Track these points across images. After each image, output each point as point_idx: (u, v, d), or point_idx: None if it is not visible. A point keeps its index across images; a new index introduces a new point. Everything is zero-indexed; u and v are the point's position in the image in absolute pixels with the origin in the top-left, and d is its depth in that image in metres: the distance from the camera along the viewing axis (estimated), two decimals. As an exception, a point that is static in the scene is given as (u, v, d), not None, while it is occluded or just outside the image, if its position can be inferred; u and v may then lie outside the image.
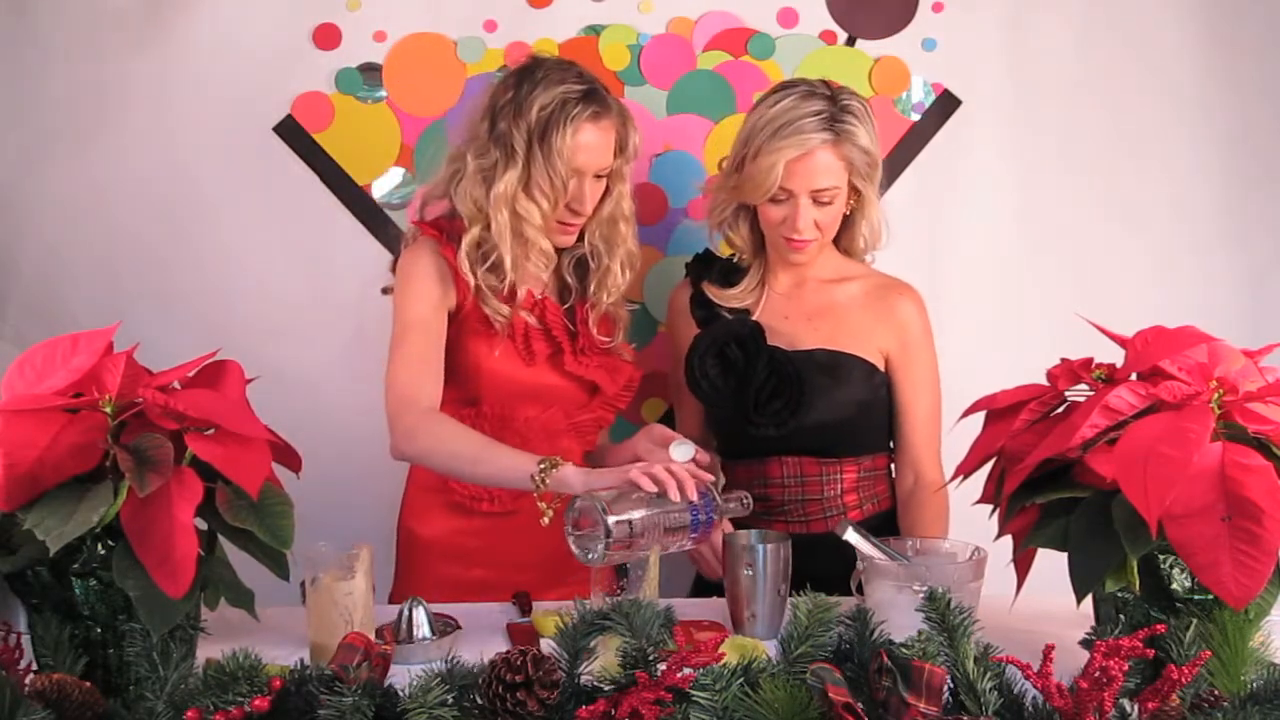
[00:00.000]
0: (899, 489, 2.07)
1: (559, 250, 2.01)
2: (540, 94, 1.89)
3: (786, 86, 1.99)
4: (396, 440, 1.85)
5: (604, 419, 2.08)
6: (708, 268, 2.11)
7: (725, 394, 1.99)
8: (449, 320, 1.94)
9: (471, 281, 1.91)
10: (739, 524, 1.89)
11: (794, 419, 1.95)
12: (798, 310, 2.05)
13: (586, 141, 1.90)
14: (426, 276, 1.93)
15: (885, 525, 2.01)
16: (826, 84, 1.98)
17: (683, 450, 1.73)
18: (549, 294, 2.03)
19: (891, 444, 2.09)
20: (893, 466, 2.10)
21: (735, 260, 2.10)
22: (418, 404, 1.85)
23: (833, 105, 1.94)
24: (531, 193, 1.90)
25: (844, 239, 2.07)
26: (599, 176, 1.95)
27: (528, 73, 1.93)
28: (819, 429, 1.97)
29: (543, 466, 1.69)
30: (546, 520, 1.74)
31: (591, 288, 2.02)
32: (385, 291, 2.03)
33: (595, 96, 1.91)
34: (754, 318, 2.04)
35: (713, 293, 2.06)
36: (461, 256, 1.92)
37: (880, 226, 2.05)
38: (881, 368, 2.03)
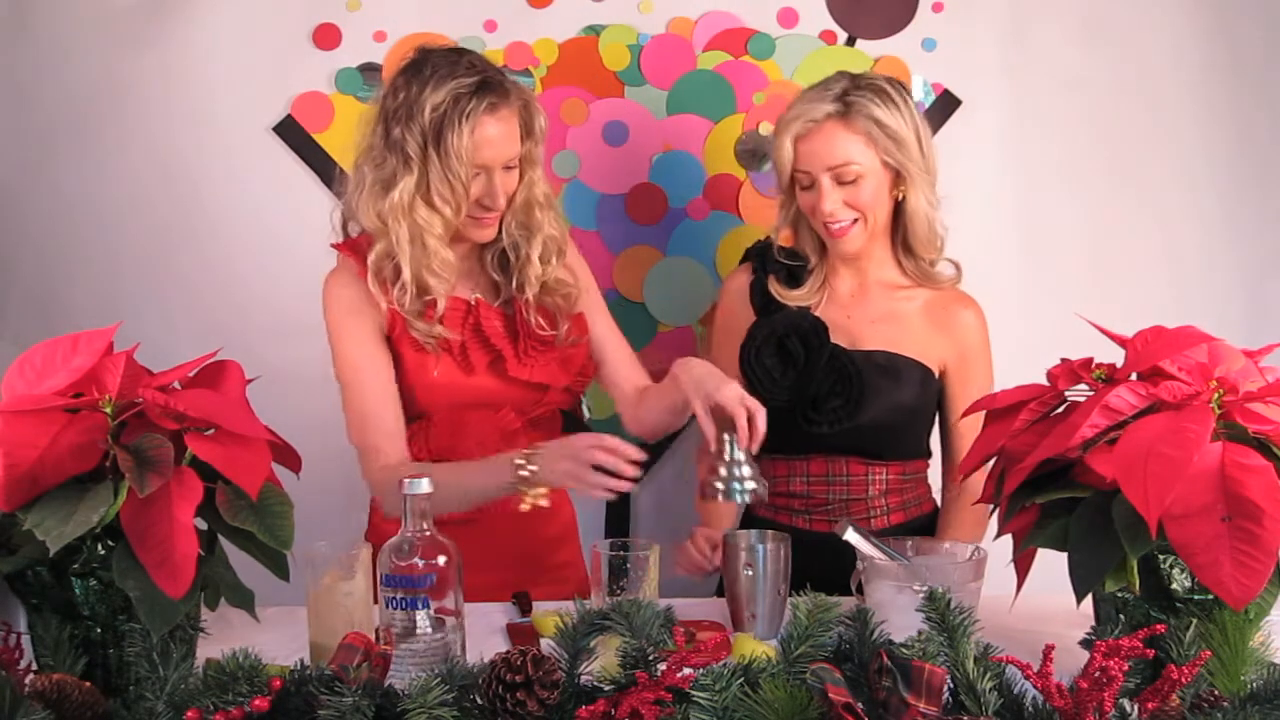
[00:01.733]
0: (944, 496, 2.07)
1: (482, 246, 1.93)
2: (430, 93, 1.77)
3: (825, 78, 1.98)
4: (377, 500, 1.92)
5: (564, 403, 2.01)
6: (770, 260, 2.07)
7: (782, 386, 1.96)
8: (390, 333, 1.87)
9: (383, 305, 1.83)
10: (740, 523, 1.89)
11: (851, 419, 1.94)
12: (861, 312, 2.03)
13: (486, 136, 1.78)
14: (351, 312, 1.86)
15: (925, 529, 2.01)
16: (863, 74, 1.96)
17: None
18: (481, 295, 1.94)
19: (934, 449, 2.09)
20: (929, 472, 2.09)
21: (795, 253, 2.06)
22: (377, 459, 1.86)
23: (851, 84, 1.92)
24: (432, 200, 1.80)
25: (905, 237, 2.01)
26: (508, 168, 1.84)
27: (415, 70, 1.81)
28: (871, 430, 1.96)
29: (521, 469, 1.72)
30: (527, 507, 1.75)
31: (515, 280, 1.92)
32: None
33: (489, 87, 1.79)
34: (815, 314, 2.01)
35: (777, 292, 2.03)
36: (371, 277, 1.83)
37: (930, 224, 1.98)
38: (937, 375, 2.02)
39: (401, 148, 1.79)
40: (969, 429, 1.97)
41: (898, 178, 1.95)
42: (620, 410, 2.03)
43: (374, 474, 1.87)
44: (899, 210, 1.99)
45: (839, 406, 1.94)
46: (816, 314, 2.01)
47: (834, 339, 1.98)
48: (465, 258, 1.93)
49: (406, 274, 1.82)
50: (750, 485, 1.68)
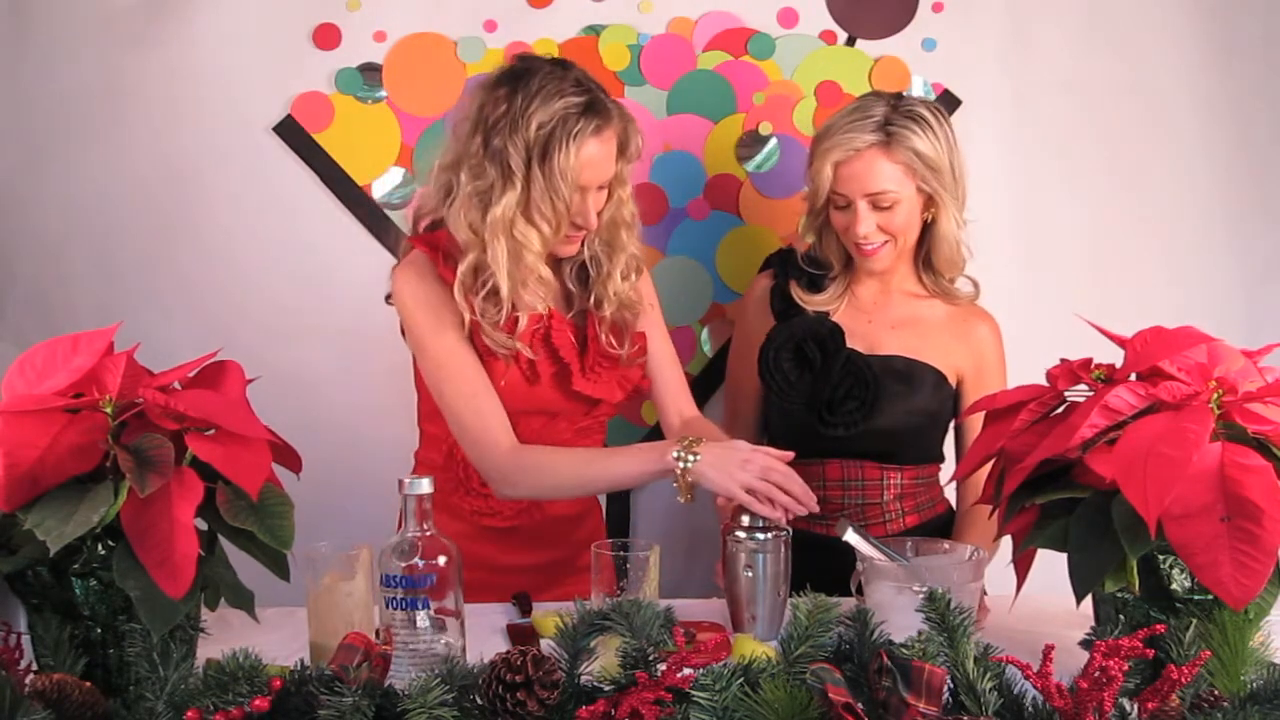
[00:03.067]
0: (960, 505, 2.08)
1: (560, 260, 1.93)
2: (538, 109, 1.75)
3: (862, 97, 2.00)
4: (498, 487, 1.86)
5: (611, 415, 2.04)
6: (792, 266, 2.09)
7: (799, 390, 1.99)
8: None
9: (467, 316, 1.81)
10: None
11: (866, 422, 1.96)
12: (881, 318, 2.06)
13: (590, 157, 1.77)
14: (438, 304, 1.83)
15: (941, 531, 2.02)
16: (900, 95, 1.98)
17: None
18: (555, 305, 1.92)
19: (946, 455, 2.09)
20: (943, 477, 2.10)
21: (819, 261, 2.07)
22: (498, 446, 1.83)
23: (892, 110, 1.93)
24: (531, 216, 1.78)
25: (929, 254, 2.04)
26: (602, 187, 1.85)
27: (521, 82, 1.78)
28: (887, 434, 1.98)
29: (680, 460, 1.73)
30: (685, 499, 1.75)
31: (593, 296, 1.93)
32: (387, 300, 1.93)
33: (597, 107, 1.78)
34: (835, 319, 2.04)
35: (799, 297, 2.05)
36: (457, 285, 1.80)
37: (956, 245, 2.01)
38: (953, 383, 2.04)
39: (504, 160, 1.76)
40: None
41: (929, 201, 1.97)
42: (664, 433, 2.05)
43: (497, 460, 1.83)
44: (926, 230, 2.02)
45: (854, 410, 1.96)
46: (836, 319, 2.04)
47: (852, 344, 2.00)
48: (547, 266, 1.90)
49: (504, 290, 1.79)
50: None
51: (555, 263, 1.92)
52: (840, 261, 2.07)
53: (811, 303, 2.05)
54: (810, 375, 1.99)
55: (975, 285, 2.09)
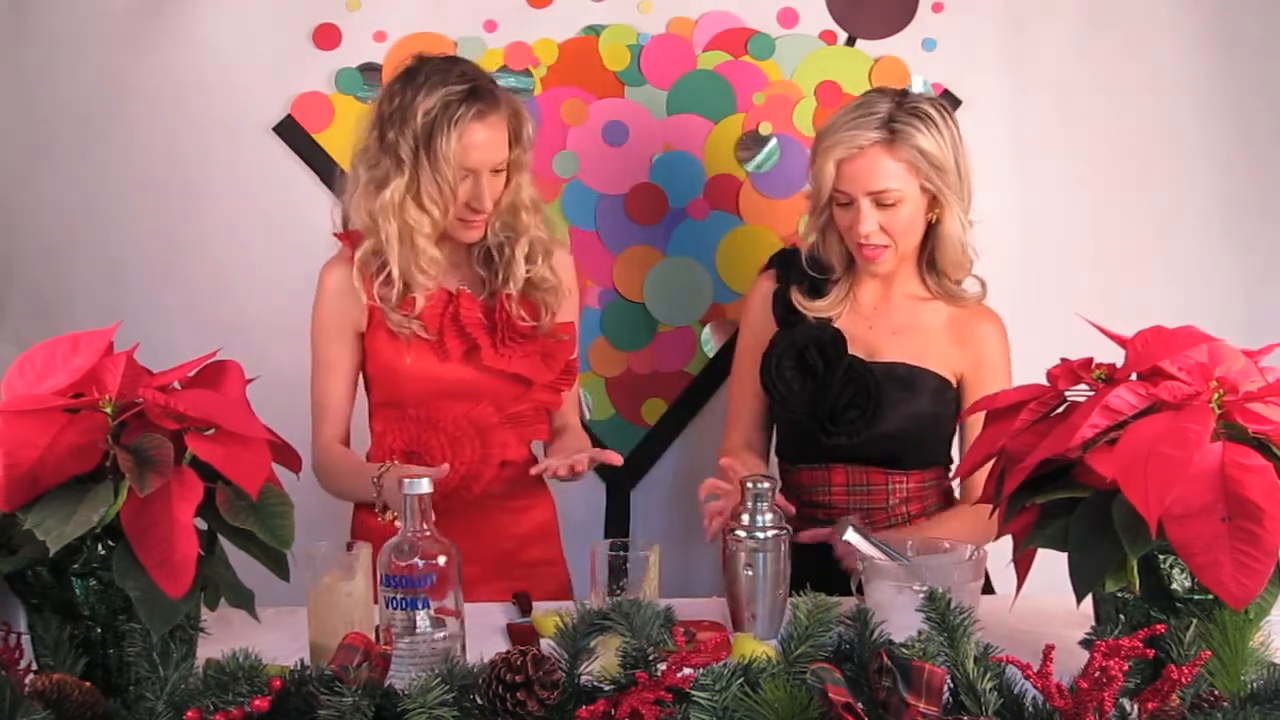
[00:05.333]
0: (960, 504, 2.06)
1: (470, 245, 1.99)
2: (424, 99, 1.86)
3: (866, 93, 1.99)
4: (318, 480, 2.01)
5: (549, 403, 2.04)
6: (795, 269, 2.07)
7: (801, 398, 1.98)
8: (368, 322, 1.96)
9: (364, 300, 1.93)
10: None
11: (867, 430, 1.94)
12: (882, 323, 2.03)
13: (474, 141, 1.87)
14: (329, 302, 1.97)
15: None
16: (904, 91, 1.97)
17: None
18: (465, 287, 1.99)
19: (955, 458, 2.08)
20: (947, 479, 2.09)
21: (821, 263, 2.05)
22: (318, 441, 1.99)
23: (896, 108, 1.91)
24: (421, 200, 1.88)
25: (931, 254, 2.02)
26: (495, 172, 1.92)
27: (410, 77, 1.90)
28: (890, 440, 1.97)
29: (375, 484, 1.85)
30: (385, 518, 1.87)
31: (499, 279, 1.98)
32: None
33: (479, 94, 1.88)
34: (836, 324, 2.02)
35: (800, 303, 2.03)
36: (356, 271, 1.93)
37: (961, 246, 1.98)
38: (954, 385, 2.02)
39: (395, 150, 1.88)
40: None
41: (933, 201, 1.95)
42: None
43: (312, 452, 1.96)
44: (931, 231, 1.99)
45: (856, 418, 1.95)
46: (837, 325, 2.02)
47: (854, 350, 1.98)
48: (453, 253, 2.00)
49: (394, 270, 1.91)
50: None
51: (466, 248, 2.00)
52: (842, 264, 2.04)
53: (812, 309, 2.03)
54: (813, 383, 1.97)
55: (983, 285, 2.06)
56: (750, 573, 1.66)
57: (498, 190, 1.93)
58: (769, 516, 1.68)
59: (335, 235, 2.01)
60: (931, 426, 2.01)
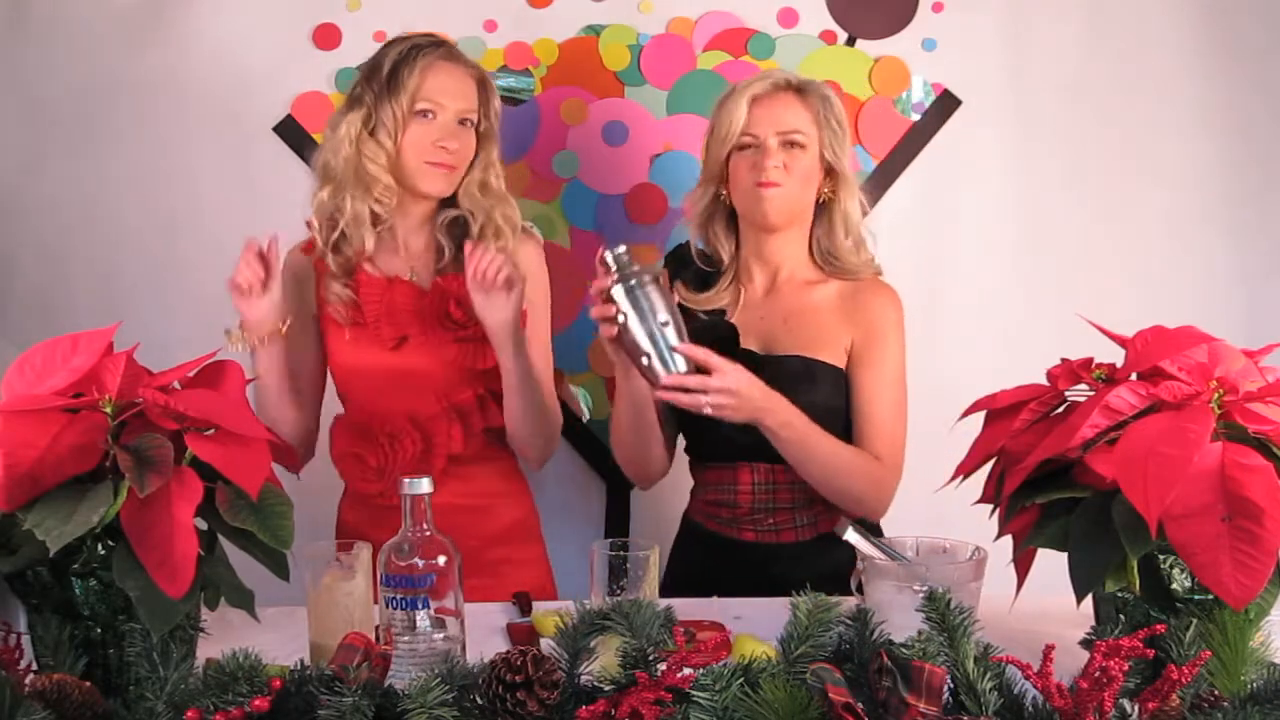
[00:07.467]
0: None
1: (435, 218, 1.98)
2: (393, 52, 1.92)
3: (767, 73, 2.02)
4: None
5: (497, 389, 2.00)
6: (685, 266, 2.07)
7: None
8: (320, 313, 1.99)
9: (319, 245, 1.94)
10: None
11: None
12: (774, 311, 2.00)
13: (438, 78, 1.90)
14: (294, 280, 1.99)
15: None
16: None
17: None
18: (415, 275, 1.98)
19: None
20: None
21: (711, 257, 2.05)
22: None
23: (799, 78, 1.97)
24: (376, 133, 1.90)
25: (825, 236, 2.01)
26: (463, 122, 1.93)
27: (389, 44, 1.96)
28: None
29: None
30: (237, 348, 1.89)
31: (455, 259, 1.95)
32: None
33: (450, 48, 1.95)
34: (730, 319, 2.00)
35: (686, 298, 2.01)
36: (311, 217, 1.95)
37: (859, 228, 1.99)
38: (845, 366, 1.98)
39: (360, 97, 1.92)
40: (875, 409, 1.95)
41: (829, 174, 1.97)
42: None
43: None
44: (825, 209, 1.99)
45: None
46: (731, 318, 2.00)
47: (748, 343, 1.96)
48: (415, 230, 1.99)
49: (347, 207, 1.91)
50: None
51: (430, 226, 1.99)
52: (729, 251, 2.03)
53: (698, 301, 2.01)
54: None
55: (877, 266, 2.04)
56: (622, 319, 1.69)
57: (468, 144, 1.94)
58: (633, 268, 1.72)
59: (306, 222, 2.00)
60: (830, 419, 1.93)
